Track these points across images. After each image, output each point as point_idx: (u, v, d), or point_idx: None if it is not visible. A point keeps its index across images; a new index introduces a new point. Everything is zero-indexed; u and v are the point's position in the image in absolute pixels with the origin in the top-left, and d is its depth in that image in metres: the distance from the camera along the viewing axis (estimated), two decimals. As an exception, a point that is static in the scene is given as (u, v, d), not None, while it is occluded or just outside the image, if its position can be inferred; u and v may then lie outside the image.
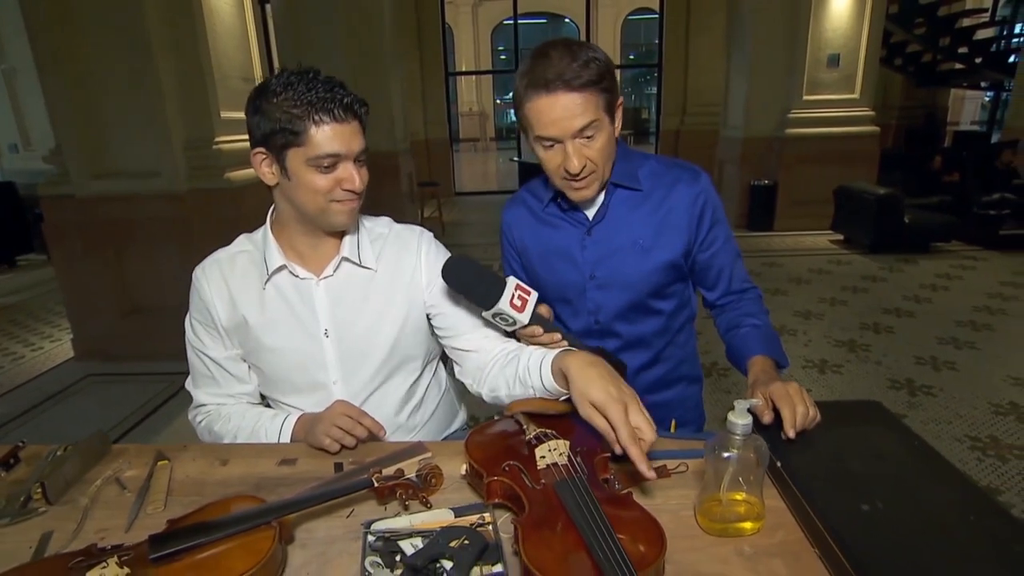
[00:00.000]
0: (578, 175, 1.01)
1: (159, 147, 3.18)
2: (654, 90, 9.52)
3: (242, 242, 1.11)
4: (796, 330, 3.71)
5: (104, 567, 0.65)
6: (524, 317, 0.97)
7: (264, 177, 0.98)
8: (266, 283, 1.04)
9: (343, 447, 0.95)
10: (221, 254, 1.10)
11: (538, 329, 1.00)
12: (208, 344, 1.07)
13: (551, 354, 0.92)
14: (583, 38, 9.43)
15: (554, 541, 0.64)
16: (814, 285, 4.59)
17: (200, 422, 1.11)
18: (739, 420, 0.69)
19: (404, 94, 6.71)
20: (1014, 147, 6.15)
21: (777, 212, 6.14)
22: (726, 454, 0.70)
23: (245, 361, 1.09)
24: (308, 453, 0.97)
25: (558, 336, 1.01)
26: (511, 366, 1.00)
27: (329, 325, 1.06)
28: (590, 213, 1.14)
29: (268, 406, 1.15)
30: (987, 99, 8.37)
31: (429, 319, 1.13)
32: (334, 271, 1.06)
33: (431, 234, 1.17)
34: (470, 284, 0.98)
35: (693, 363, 1.28)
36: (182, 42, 3.14)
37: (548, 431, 0.80)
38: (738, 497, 0.74)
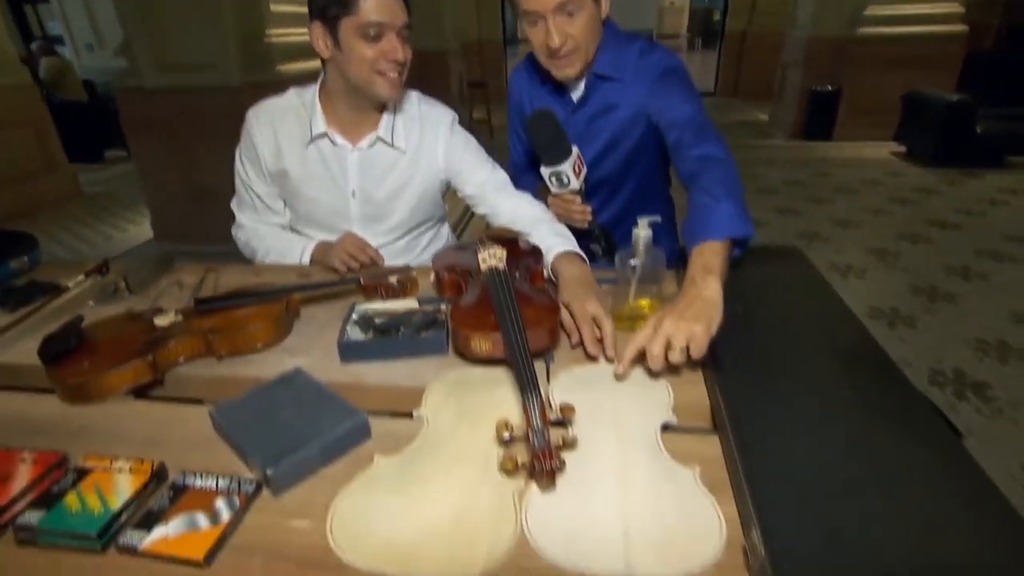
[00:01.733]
0: (559, 51, 1.13)
1: (214, 40, 3.42)
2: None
3: (292, 97, 1.27)
4: (830, 237, 3.72)
5: (166, 315, 0.95)
6: (577, 183, 1.17)
7: (320, 50, 1.15)
8: (308, 144, 1.26)
9: (349, 268, 1.21)
10: (273, 104, 1.27)
11: (577, 198, 1.20)
12: (253, 179, 1.32)
13: (557, 249, 1.09)
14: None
15: (473, 309, 0.89)
16: (861, 195, 4.48)
17: (240, 237, 1.41)
18: (642, 232, 0.89)
19: (456, -10, 6.56)
20: None
21: (838, 120, 5.82)
22: (632, 262, 0.92)
23: (281, 199, 1.35)
24: (322, 271, 1.26)
25: (588, 209, 1.22)
26: (529, 233, 1.17)
27: (357, 187, 1.29)
28: (575, 96, 1.28)
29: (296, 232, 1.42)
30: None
31: (452, 187, 1.35)
32: (369, 146, 1.26)
33: (454, 117, 1.33)
34: (547, 139, 1.12)
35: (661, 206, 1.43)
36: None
37: (495, 244, 1.01)
38: (643, 302, 0.96)
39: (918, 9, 5.45)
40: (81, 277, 1.20)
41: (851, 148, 5.72)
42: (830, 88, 5.72)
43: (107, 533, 0.60)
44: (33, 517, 0.61)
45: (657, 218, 0.90)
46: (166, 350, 0.87)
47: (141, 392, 0.87)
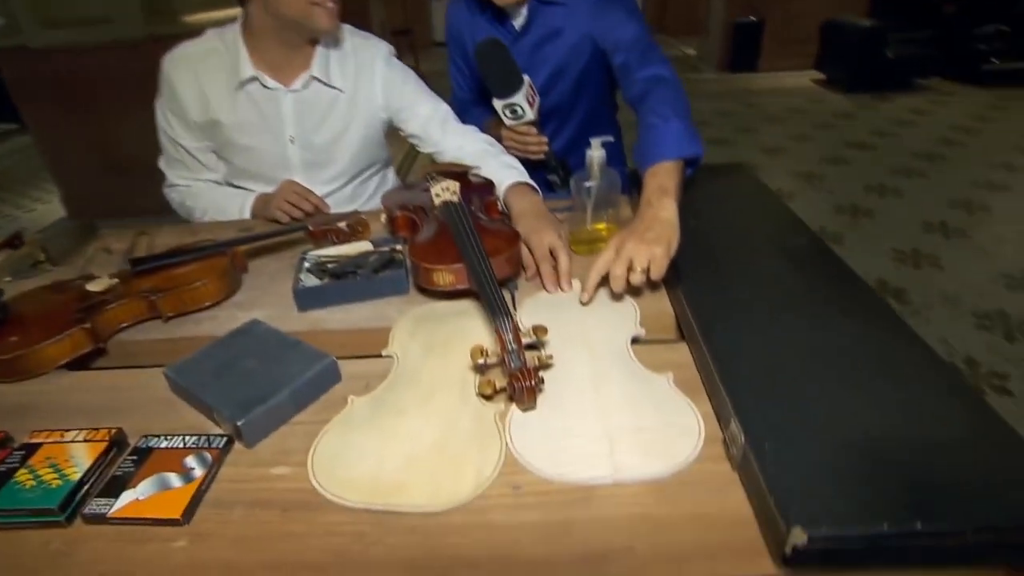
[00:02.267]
0: None
1: None
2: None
3: (211, 39, 1.16)
4: (759, 165, 3.86)
5: (99, 280, 0.88)
6: (532, 113, 1.12)
7: None
8: (237, 89, 1.16)
9: (293, 218, 1.14)
10: (191, 48, 1.16)
11: (533, 129, 1.16)
12: (180, 133, 1.21)
13: (507, 181, 1.07)
14: None
15: (433, 243, 0.87)
16: (786, 123, 4.65)
17: (173, 198, 1.31)
18: (596, 153, 0.89)
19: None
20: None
21: (763, 52, 5.95)
22: (587, 184, 0.91)
23: (214, 152, 1.25)
24: (264, 224, 1.18)
25: (544, 140, 1.18)
26: (478, 167, 1.14)
27: (295, 133, 1.20)
28: (517, 23, 1.24)
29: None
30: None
31: (395, 126, 1.28)
32: (303, 87, 1.18)
33: (389, 50, 1.25)
34: (498, 70, 1.08)
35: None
36: None
37: (446, 178, 0.99)
38: (600, 225, 0.96)
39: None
40: (-8, 251, 1.09)
41: (775, 78, 5.88)
42: (753, 19, 5.80)
43: (70, 506, 0.56)
44: (-20, 498, 0.56)
45: (610, 138, 0.89)
46: (105, 316, 0.81)
47: (82, 364, 0.80)
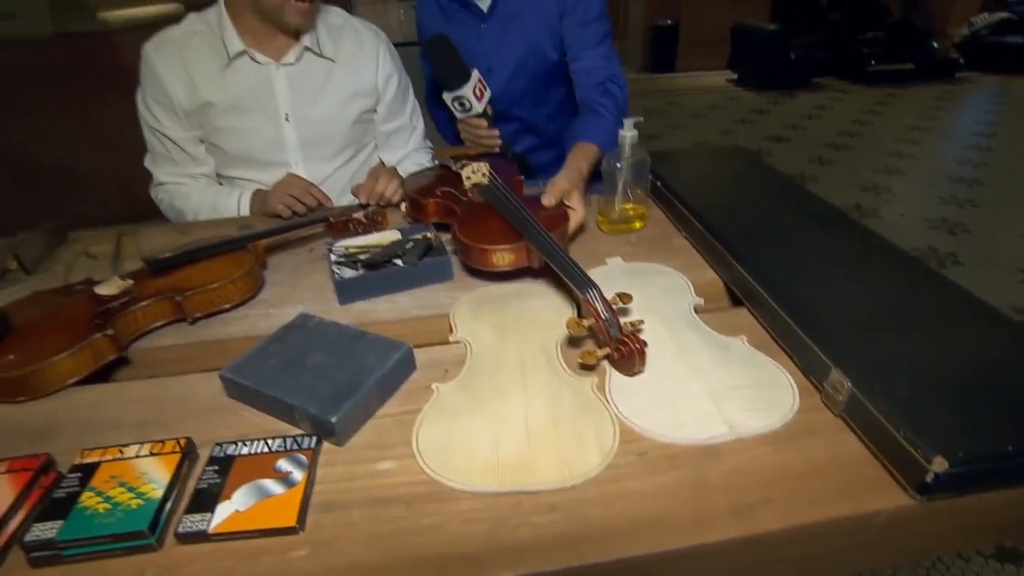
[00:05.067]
0: None
1: None
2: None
3: (193, 21, 1.11)
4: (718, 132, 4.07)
5: (109, 282, 0.77)
6: (480, 106, 1.11)
7: None
8: (227, 67, 1.08)
9: (294, 213, 1.08)
10: (173, 32, 1.10)
11: (484, 122, 1.14)
12: (166, 124, 1.11)
13: None
14: None
15: (481, 224, 0.85)
16: (708, 119, 4.94)
17: (162, 199, 1.20)
18: (628, 133, 0.90)
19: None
20: (889, -17, 6.49)
21: (679, 53, 6.28)
22: (618, 163, 0.92)
23: (203, 142, 1.16)
24: (264, 221, 1.10)
25: (496, 133, 1.16)
26: None
27: (289, 110, 1.14)
28: (484, 6, 1.23)
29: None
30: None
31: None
32: (296, 59, 1.12)
33: (387, 37, 1.24)
34: (444, 64, 1.08)
35: None
36: None
37: (472, 160, 0.98)
38: (628, 205, 0.98)
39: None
40: (-56, 264, 0.93)
41: (693, 78, 6.22)
42: (669, 22, 6.12)
43: (157, 526, 0.50)
44: (46, 530, 0.48)
45: (640, 119, 0.91)
46: (126, 321, 0.72)
47: (100, 377, 0.71)
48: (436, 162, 1.16)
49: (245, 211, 1.14)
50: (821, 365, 0.61)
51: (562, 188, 0.90)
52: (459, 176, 0.96)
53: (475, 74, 1.10)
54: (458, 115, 1.16)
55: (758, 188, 1.04)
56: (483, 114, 1.13)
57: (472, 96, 1.09)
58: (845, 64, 5.88)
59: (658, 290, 0.80)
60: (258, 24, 1.08)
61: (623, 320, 0.66)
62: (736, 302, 0.82)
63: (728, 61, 5.99)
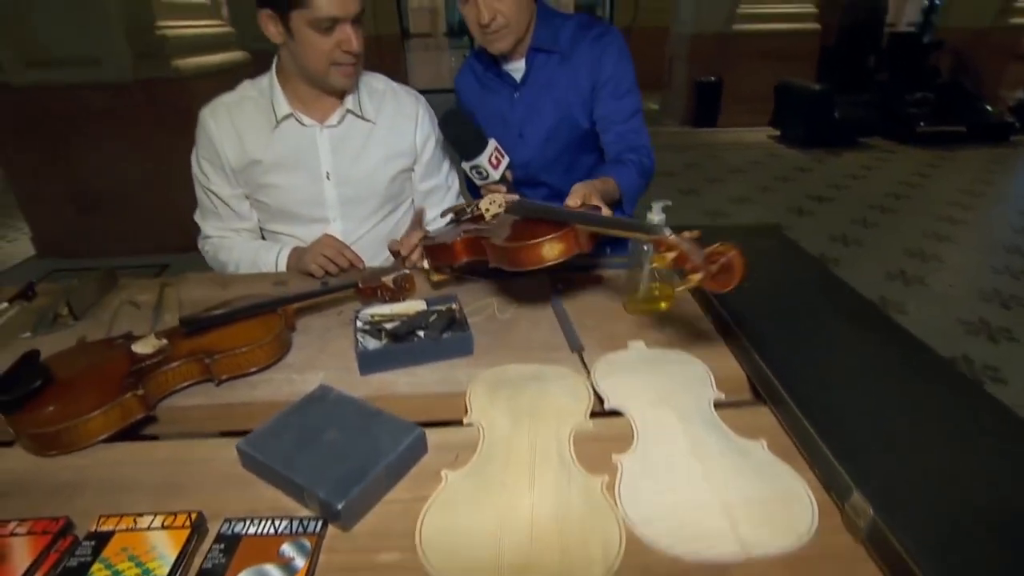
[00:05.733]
0: (489, 27, 1.14)
1: (96, 32, 2.99)
2: (608, -18, 9.20)
3: (247, 88, 1.20)
4: (729, 213, 4.04)
5: (146, 340, 0.82)
6: (497, 174, 1.14)
7: (271, 36, 1.08)
8: (274, 128, 1.16)
9: (327, 273, 1.13)
10: (228, 98, 1.18)
11: (503, 187, 1.17)
12: (215, 181, 1.19)
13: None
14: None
15: (518, 230, 0.88)
16: (749, 175, 4.91)
17: (207, 250, 1.28)
18: (655, 217, 0.91)
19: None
20: (940, 48, 6.44)
21: (722, 108, 6.32)
22: (645, 246, 0.93)
23: (248, 199, 1.23)
24: (298, 278, 1.16)
25: (516, 198, 1.17)
26: None
27: (330, 168, 1.20)
28: (518, 76, 1.28)
29: (265, 239, 1.30)
30: (926, 1, 8.54)
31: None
32: (338, 122, 1.19)
33: (425, 101, 1.31)
34: (460, 136, 1.13)
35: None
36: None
37: (487, 192, 1.03)
38: (654, 285, 0.98)
39: (779, 8, 6.06)
40: (4, 305, 0.99)
41: (734, 134, 6.24)
42: (713, 79, 6.19)
43: (159, 604, 0.51)
44: (56, 600, 0.50)
45: (669, 202, 0.91)
46: (157, 379, 0.75)
47: (128, 431, 0.74)
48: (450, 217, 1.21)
49: (283, 267, 1.20)
50: (843, 483, 0.59)
51: (582, 192, 0.95)
52: (477, 217, 0.99)
53: (491, 143, 1.13)
54: (477, 182, 1.19)
55: (787, 273, 1.03)
56: (501, 180, 1.16)
57: (488, 165, 1.13)
58: (893, 124, 5.81)
59: (677, 381, 0.79)
60: (305, 89, 1.15)
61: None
62: (759, 396, 0.79)
63: (771, 118, 5.99)
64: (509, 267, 0.87)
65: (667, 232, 0.73)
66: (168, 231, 3.09)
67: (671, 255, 0.70)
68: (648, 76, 8.35)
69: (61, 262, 3.49)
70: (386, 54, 8.63)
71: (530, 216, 0.93)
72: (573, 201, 0.93)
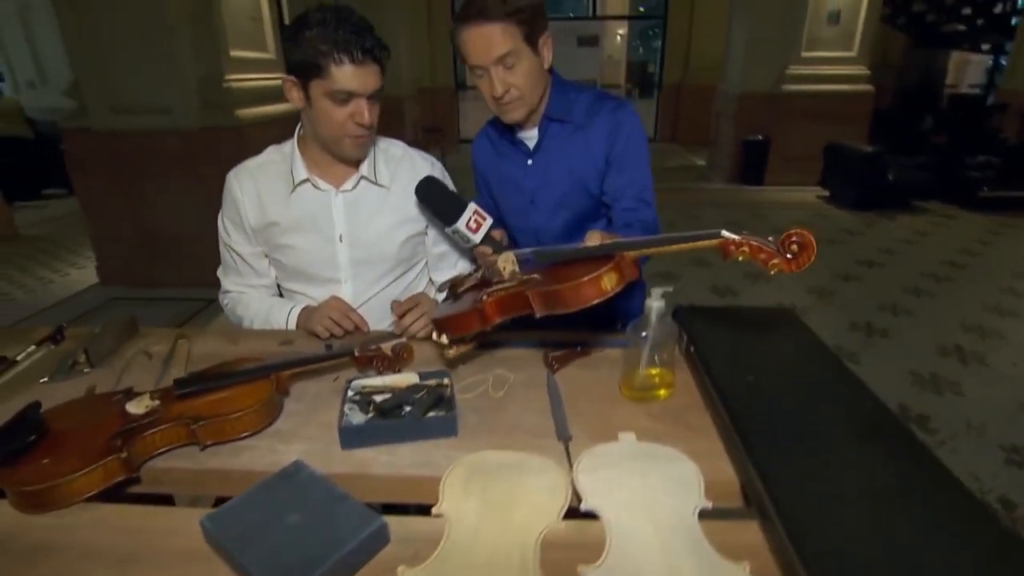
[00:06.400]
0: (503, 99, 1.16)
1: (172, 84, 3.33)
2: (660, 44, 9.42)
3: (271, 152, 1.26)
4: (773, 277, 3.91)
5: (140, 399, 0.85)
6: (476, 238, 1.14)
7: (292, 101, 1.14)
8: (292, 192, 1.22)
9: (332, 335, 1.16)
10: (251, 163, 1.25)
11: (488, 249, 1.17)
12: (236, 239, 1.26)
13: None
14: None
15: (556, 274, 0.89)
16: (794, 238, 4.77)
17: (226, 304, 1.34)
18: (655, 304, 0.89)
19: (410, 39, 6.64)
20: (1004, 110, 6.20)
21: (768, 167, 6.25)
22: (644, 333, 0.90)
23: (267, 257, 1.29)
24: (304, 337, 1.19)
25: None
26: None
27: (344, 231, 1.24)
28: (531, 144, 1.30)
29: (282, 295, 1.35)
30: (990, 62, 8.31)
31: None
32: (353, 186, 1.24)
33: (441, 166, 1.34)
34: (436, 203, 1.16)
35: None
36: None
37: (496, 254, 1.02)
38: (653, 371, 0.95)
39: (831, 70, 6.01)
40: (32, 348, 1.06)
41: (781, 194, 6.13)
42: (760, 138, 6.14)
43: None
44: None
45: (670, 288, 0.89)
46: (143, 443, 0.77)
47: (112, 492, 0.75)
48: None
49: (292, 325, 1.23)
50: (822, 627, 0.53)
51: (597, 235, 0.94)
52: (487, 281, 1.00)
53: (470, 208, 1.13)
54: (462, 245, 1.21)
55: (796, 366, 0.97)
56: (486, 241, 1.15)
57: (466, 229, 1.13)
58: (952, 188, 5.56)
59: (662, 483, 0.75)
60: (321, 155, 1.21)
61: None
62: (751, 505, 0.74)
63: (820, 178, 5.86)
64: (565, 309, 0.86)
65: (725, 233, 0.74)
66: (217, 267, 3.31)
67: (742, 253, 0.75)
68: (696, 133, 8.51)
69: (122, 290, 3.76)
70: (439, 105, 9.06)
71: (562, 260, 0.94)
72: (592, 242, 0.93)
